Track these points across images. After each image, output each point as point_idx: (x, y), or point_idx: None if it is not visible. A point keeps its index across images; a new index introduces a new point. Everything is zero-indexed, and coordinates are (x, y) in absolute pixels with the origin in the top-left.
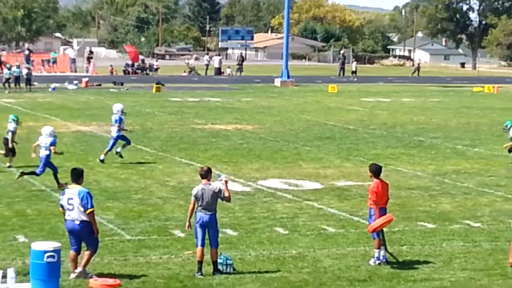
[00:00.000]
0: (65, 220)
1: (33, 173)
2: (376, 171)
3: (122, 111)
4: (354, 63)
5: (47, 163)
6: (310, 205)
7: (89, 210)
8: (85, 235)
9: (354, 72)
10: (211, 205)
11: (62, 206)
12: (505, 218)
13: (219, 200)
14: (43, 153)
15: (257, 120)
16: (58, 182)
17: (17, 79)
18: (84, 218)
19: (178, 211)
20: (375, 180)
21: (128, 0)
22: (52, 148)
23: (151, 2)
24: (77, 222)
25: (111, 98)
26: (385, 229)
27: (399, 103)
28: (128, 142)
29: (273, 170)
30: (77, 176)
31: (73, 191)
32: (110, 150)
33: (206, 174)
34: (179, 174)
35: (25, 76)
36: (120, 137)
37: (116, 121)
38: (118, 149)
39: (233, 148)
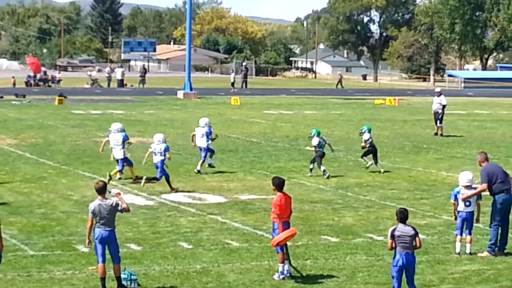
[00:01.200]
0: None
1: (154, 178)
2: (279, 184)
3: (209, 124)
4: (232, 74)
5: (163, 169)
6: (214, 219)
7: None
8: None
9: (232, 84)
10: (109, 221)
11: None
12: None
13: (120, 213)
14: (158, 159)
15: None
16: (170, 187)
17: None
18: None
19: (81, 226)
20: (278, 193)
21: (30, 11)
22: (167, 154)
23: (53, 13)
24: None
25: (13, 110)
26: (288, 243)
27: (302, 115)
28: (213, 151)
29: (176, 183)
30: None
31: None
32: (203, 161)
33: (102, 189)
34: (83, 188)
35: None
36: (209, 149)
37: (205, 134)
38: (209, 161)
39: (135, 162)
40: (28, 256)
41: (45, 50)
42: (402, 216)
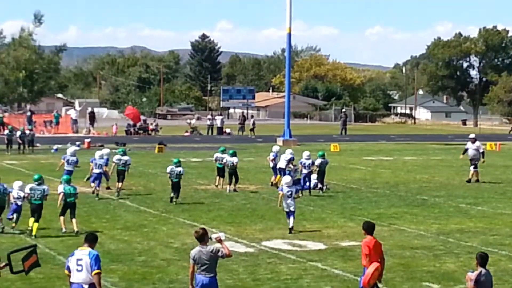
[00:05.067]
0: (71, 283)
1: None
2: (368, 228)
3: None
4: (252, 119)
5: None
6: (314, 266)
7: (95, 271)
8: None
9: (251, 130)
10: (210, 267)
11: (68, 268)
12: (510, 277)
13: (221, 260)
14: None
15: (259, 179)
16: None
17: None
18: (91, 281)
19: (182, 273)
20: (368, 236)
21: (129, 61)
22: None
23: (152, 62)
24: (85, 286)
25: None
26: None
27: (401, 161)
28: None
29: (276, 230)
30: (92, 239)
31: (84, 252)
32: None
33: (202, 237)
34: (183, 235)
35: (28, 138)
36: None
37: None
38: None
39: (236, 209)
40: None
41: (144, 99)
42: (485, 261)
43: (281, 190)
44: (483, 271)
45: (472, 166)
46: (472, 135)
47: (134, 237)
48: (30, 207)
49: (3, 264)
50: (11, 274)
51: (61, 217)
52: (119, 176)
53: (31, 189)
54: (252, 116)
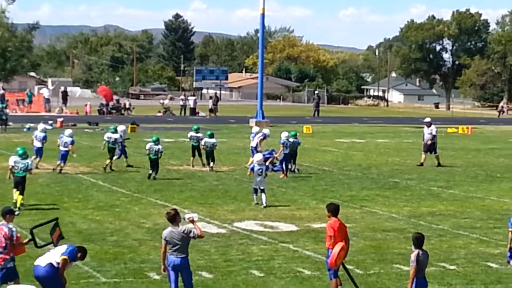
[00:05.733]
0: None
1: None
2: (334, 210)
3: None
4: (210, 101)
5: None
6: (286, 247)
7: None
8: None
9: (210, 110)
10: (182, 248)
11: None
12: (480, 260)
13: (193, 241)
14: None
15: (232, 161)
16: None
17: None
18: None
19: (153, 253)
20: (333, 218)
21: (103, 40)
22: None
23: (125, 42)
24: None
25: (87, 138)
26: (359, 271)
27: (374, 144)
28: None
29: (248, 211)
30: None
31: None
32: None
33: (173, 218)
34: (155, 216)
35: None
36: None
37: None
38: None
39: (208, 190)
40: (100, 283)
41: (117, 78)
42: (420, 242)
43: (252, 168)
44: (420, 252)
45: (433, 152)
46: (427, 119)
47: (106, 216)
48: (14, 180)
49: (27, 239)
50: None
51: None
52: (152, 164)
53: (15, 162)
54: (210, 97)
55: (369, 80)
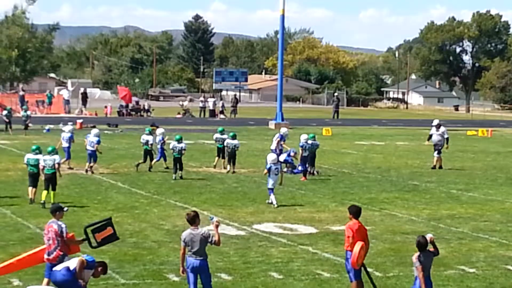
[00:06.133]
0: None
1: None
2: (356, 212)
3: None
4: (221, 102)
5: None
6: (305, 250)
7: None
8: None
9: (221, 112)
10: (201, 250)
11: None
12: (500, 263)
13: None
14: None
15: (251, 163)
16: None
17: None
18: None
19: (172, 255)
20: (354, 220)
21: (122, 41)
22: None
23: (145, 43)
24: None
25: (106, 140)
26: (379, 274)
27: (393, 146)
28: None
29: (268, 213)
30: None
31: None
32: None
33: (193, 220)
34: (174, 218)
35: (23, 118)
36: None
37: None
38: None
39: (227, 192)
40: (119, 284)
41: (137, 80)
42: (421, 246)
43: (268, 168)
44: (421, 254)
45: (436, 152)
46: (436, 121)
47: (125, 218)
48: (44, 177)
49: (81, 238)
50: (2, 254)
51: (29, 188)
52: (176, 163)
53: (44, 160)
54: (221, 99)
55: (388, 82)
